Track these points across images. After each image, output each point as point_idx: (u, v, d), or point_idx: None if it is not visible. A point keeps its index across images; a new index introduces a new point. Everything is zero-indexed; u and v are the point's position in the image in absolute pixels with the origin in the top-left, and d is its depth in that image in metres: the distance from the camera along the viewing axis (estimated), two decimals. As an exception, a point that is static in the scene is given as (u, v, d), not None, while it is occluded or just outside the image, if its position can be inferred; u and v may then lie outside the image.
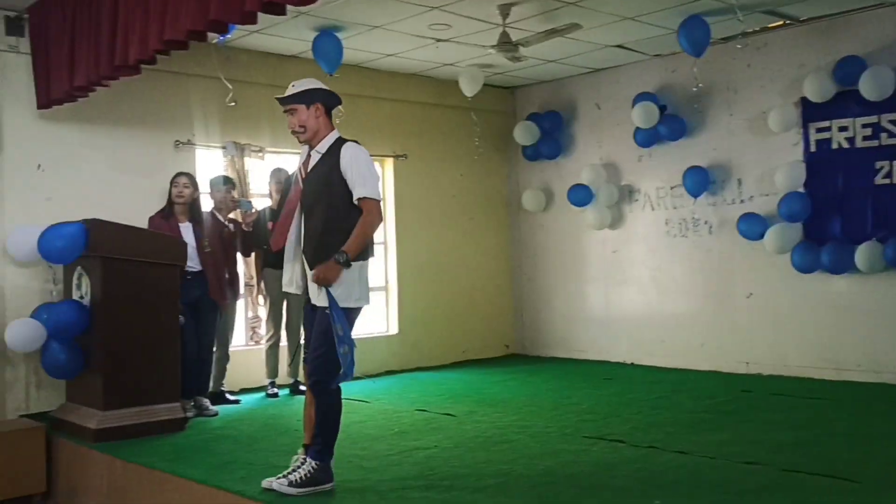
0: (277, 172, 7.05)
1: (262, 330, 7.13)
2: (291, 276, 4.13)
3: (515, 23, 6.71)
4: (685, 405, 6.21)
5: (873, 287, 6.82)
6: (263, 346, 7.03)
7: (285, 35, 6.96)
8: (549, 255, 9.27)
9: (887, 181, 6.72)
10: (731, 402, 6.28)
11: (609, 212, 8.56)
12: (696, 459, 4.57)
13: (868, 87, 6.59)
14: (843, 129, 6.96)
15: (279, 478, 4.04)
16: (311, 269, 3.97)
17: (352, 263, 3.88)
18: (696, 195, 7.80)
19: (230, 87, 5.98)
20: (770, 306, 7.43)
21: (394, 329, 8.46)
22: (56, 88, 5.86)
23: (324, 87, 4.09)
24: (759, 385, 6.94)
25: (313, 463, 4.01)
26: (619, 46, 7.80)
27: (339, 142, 4.03)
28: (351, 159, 3.94)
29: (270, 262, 6.85)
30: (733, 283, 7.71)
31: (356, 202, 3.94)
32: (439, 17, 6.68)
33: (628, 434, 5.24)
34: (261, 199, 7.31)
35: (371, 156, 8.12)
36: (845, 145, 6.96)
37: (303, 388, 6.92)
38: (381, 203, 4.05)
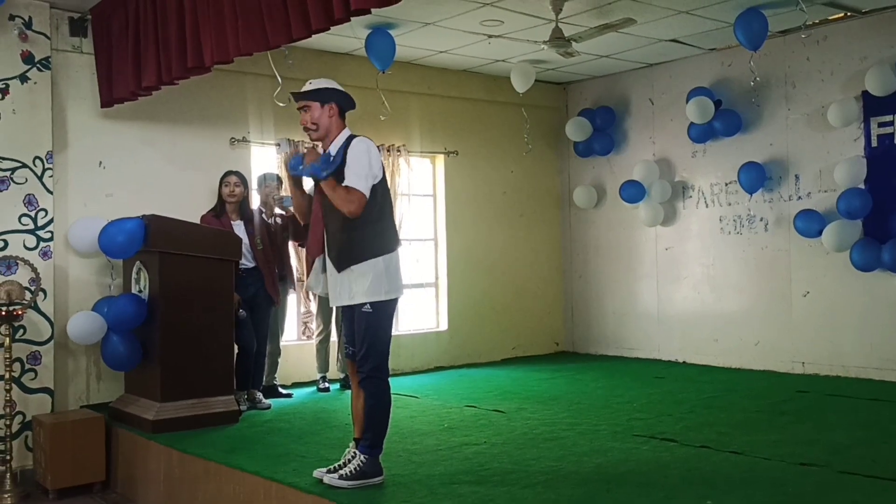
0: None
1: (313, 325, 7.23)
2: (317, 278, 4.19)
3: (568, 18, 6.66)
4: (738, 405, 6.11)
5: (937, 286, 6.62)
6: (314, 341, 7.12)
7: (339, 33, 6.98)
8: (600, 252, 9.20)
9: (952, 177, 6.52)
10: (785, 402, 6.16)
11: (662, 208, 8.45)
12: (750, 460, 4.50)
13: (933, 79, 6.40)
14: (906, 123, 6.78)
15: (330, 471, 4.10)
16: (338, 272, 4.02)
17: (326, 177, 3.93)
18: (751, 192, 7.65)
19: (280, 81, 6.06)
20: (827, 305, 7.26)
21: (444, 325, 8.49)
22: (120, 88, 6.01)
23: (340, 88, 4.15)
24: (816, 385, 6.79)
25: (362, 457, 4.07)
26: (673, 41, 7.70)
27: (349, 139, 4.05)
28: (353, 150, 3.98)
29: (320, 258, 6.94)
30: (789, 281, 7.56)
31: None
32: (492, 14, 6.67)
33: (680, 433, 5.19)
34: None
35: (422, 152, 8.32)
36: (908, 140, 6.77)
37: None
38: (364, 199, 3.93)
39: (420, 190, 8.50)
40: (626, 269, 8.91)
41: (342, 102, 4.12)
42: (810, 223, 7.19)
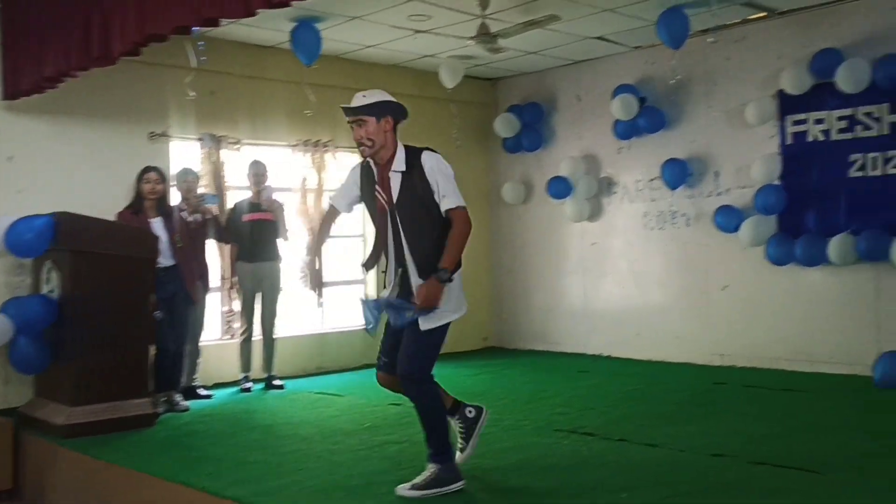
0: (255, 165, 7.01)
1: (237, 324, 7.10)
2: (388, 286, 4.06)
3: (495, 14, 6.67)
4: (658, 398, 6.23)
5: (845, 279, 6.85)
6: (237, 340, 6.99)
7: (262, 25, 6.88)
8: (528, 248, 9.26)
9: (861, 174, 6.75)
10: (703, 394, 6.31)
11: (588, 204, 8.56)
12: (666, 452, 4.58)
13: (844, 79, 6.60)
14: (819, 121, 6.98)
15: (403, 485, 3.92)
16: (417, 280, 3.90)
17: (450, 277, 3.81)
18: (674, 187, 7.81)
19: (195, 67, 5.89)
20: (744, 299, 7.46)
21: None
22: (25, 79, 5.79)
23: (394, 99, 3.99)
24: (733, 377, 6.97)
25: (433, 468, 3.90)
26: (599, 38, 7.78)
27: (413, 153, 3.93)
28: (433, 169, 3.86)
29: (243, 256, 6.83)
30: (709, 275, 7.73)
31: (443, 213, 3.85)
32: (419, 9, 6.65)
33: (601, 427, 5.25)
34: (238, 191, 7.27)
35: (350, 147, 8.23)
36: (821, 138, 6.97)
37: (276, 382, 6.96)
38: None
39: (347, 185, 8.39)
40: (554, 265, 9.00)
41: (397, 115, 3.96)
42: (729, 218, 7.37)
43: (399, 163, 3.90)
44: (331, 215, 4.28)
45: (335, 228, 4.42)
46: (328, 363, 7.85)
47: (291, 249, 7.44)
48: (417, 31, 7.22)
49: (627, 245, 8.40)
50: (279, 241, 7.02)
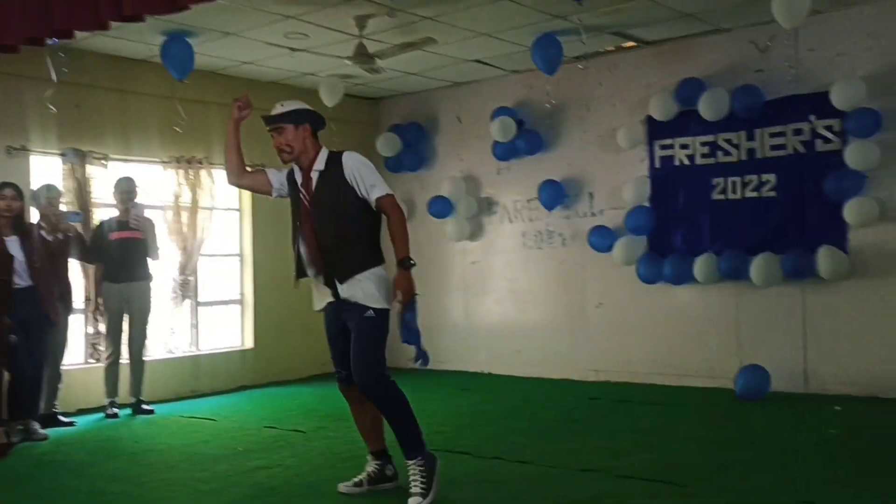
0: (123, 182, 6.74)
1: (102, 347, 6.78)
2: (319, 295, 4.18)
3: (372, 35, 6.69)
4: (536, 414, 6.34)
5: (709, 297, 7.19)
6: (103, 363, 6.68)
7: (131, 38, 6.67)
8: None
9: (722, 197, 7.11)
10: (577, 410, 6.46)
11: (468, 224, 8.66)
12: (537, 468, 4.66)
13: (706, 107, 6.96)
14: (684, 146, 7.32)
15: (411, 499, 3.95)
16: (340, 283, 4.02)
17: (409, 258, 3.99)
18: (550, 208, 8.00)
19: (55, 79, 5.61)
20: (617, 316, 7.71)
21: (249, 343, 8.24)
22: None
23: (311, 109, 4.16)
24: (607, 392, 7.17)
25: (418, 461, 4.00)
26: (477, 61, 7.92)
27: (334, 154, 4.10)
28: (353, 166, 4.03)
29: (109, 276, 6.54)
30: (585, 293, 7.96)
31: (373, 204, 4.01)
32: (295, 27, 6.58)
33: (476, 446, 5.29)
34: (106, 209, 6.96)
35: (223, 165, 8.00)
36: (686, 162, 7.31)
37: (145, 406, 6.67)
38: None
39: (225, 204, 8.21)
40: (435, 283, 9.04)
41: (315, 122, 4.13)
42: (602, 238, 7.61)
43: (320, 163, 4.07)
44: (245, 170, 4.47)
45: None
46: (202, 386, 7.60)
47: (162, 269, 7.19)
48: (294, 50, 7.13)
49: (507, 264, 8.54)
50: (149, 261, 6.76)
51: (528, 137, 8.13)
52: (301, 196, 4.12)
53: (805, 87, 6.71)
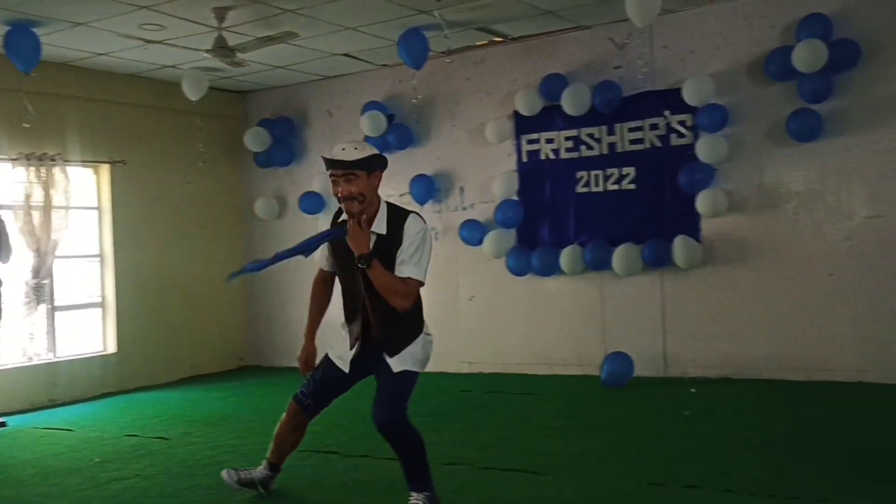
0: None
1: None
2: (346, 357, 3.86)
3: (232, 27, 6.51)
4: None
5: (575, 287, 7.40)
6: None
7: (-31, 28, 6.25)
8: (283, 264, 9.08)
9: (586, 190, 7.32)
10: (449, 402, 6.52)
11: (341, 219, 8.57)
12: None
13: (569, 103, 7.14)
14: (549, 141, 7.49)
15: None
16: (390, 357, 3.69)
17: (369, 265, 3.50)
18: (422, 203, 8.03)
19: None
20: (489, 308, 7.83)
21: (112, 347, 7.89)
22: None
23: (381, 153, 3.70)
24: (478, 384, 7.28)
25: (426, 495, 3.76)
26: (346, 55, 7.84)
27: (398, 215, 3.64)
28: (412, 239, 3.58)
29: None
30: (458, 286, 8.04)
31: (397, 272, 3.56)
32: (151, 17, 6.32)
33: (345, 445, 5.26)
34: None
35: (83, 161, 7.66)
36: (552, 156, 7.49)
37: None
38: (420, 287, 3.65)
39: (82, 202, 7.82)
40: (309, 280, 8.86)
41: (384, 168, 3.67)
42: (473, 232, 7.70)
43: (380, 224, 3.61)
44: (319, 279, 4.06)
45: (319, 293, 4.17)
46: (60, 394, 7.23)
47: (12, 272, 6.78)
48: (149, 41, 6.85)
49: None
50: (-3, 264, 6.37)
51: (398, 132, 8.13)
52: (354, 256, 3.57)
53: (660, 83, 6.99)
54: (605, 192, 7.24)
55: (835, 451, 4.53)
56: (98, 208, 7.98)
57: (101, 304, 7.93)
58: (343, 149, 3.56)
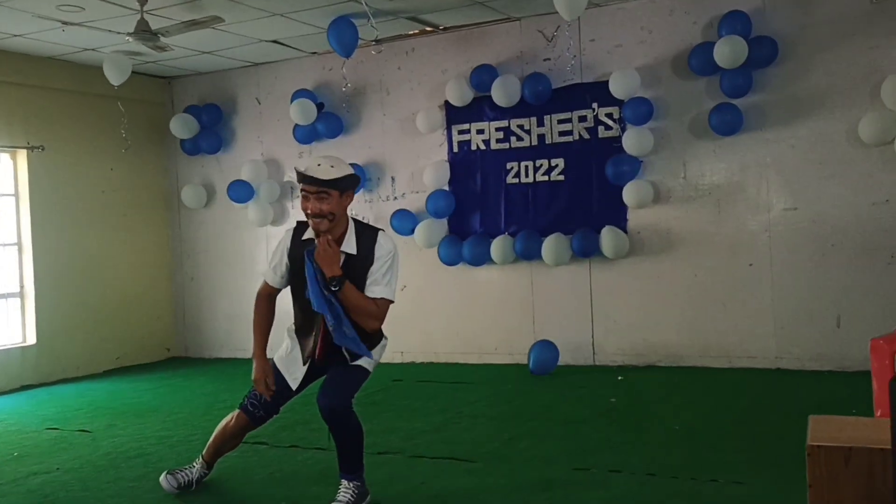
0: None
1: None
2: (297, 373, 3.77)
3: (155, 10, 6.35)
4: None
5: (506, 277, 7.49)
6: None
7: None
8: (211, 253, 8.97)
9: (516, 181, 7.40)
10: (380, 392, 6.52)
11: (271, 208, 8.48)
12: (332, 455, 4.61)
13: (499, 93, 7.19)
14: (480, 131, 7.54)
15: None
16: (349, 362, 3.67)
17: (341, 287, 3.47)
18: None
19: None
20: (421, 298, 7.85)
21: (31, 339, 7.64)
22: None
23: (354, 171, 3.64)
24: (410, 373, 7.30)
25: (356, 483, 3.74)
26: (274, 42, 7.73)
27: (369, 235, 3.60)
28: (383, 260, 3.57)
29: None
30: (389, 276, 8.02)
31: (367, 293, 3.55)
32: (69, -2, 6.12)
33: (273, 434, 5.19)
34: None
35: (0, 147, 7.37)
36: (482, 147, 7.54)
37: None
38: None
39: (-2, 189, 7.57)
40: (238, 270, 8.80)
41: (357, 188, 3.65)
42: (405, 222, 7.71)
43: (349, 244, 3.57)
44: (266, 294, 3.85)
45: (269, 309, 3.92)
46: (-24, 389, 7.00)
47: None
48: (66, 23, 6.61)
49: None
50: None
51: (328, 120, 8.06)
52: (317, 275, 3.49)
53: (588, 75, 7.11)
54: (535, 183, 7.33)
55: (751, 434, 4.70)
56: (15, 195, 7.70)
57: (20, 294, 7.66)
58: (318, 165, 3.48)
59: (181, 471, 4.11)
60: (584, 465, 4.24)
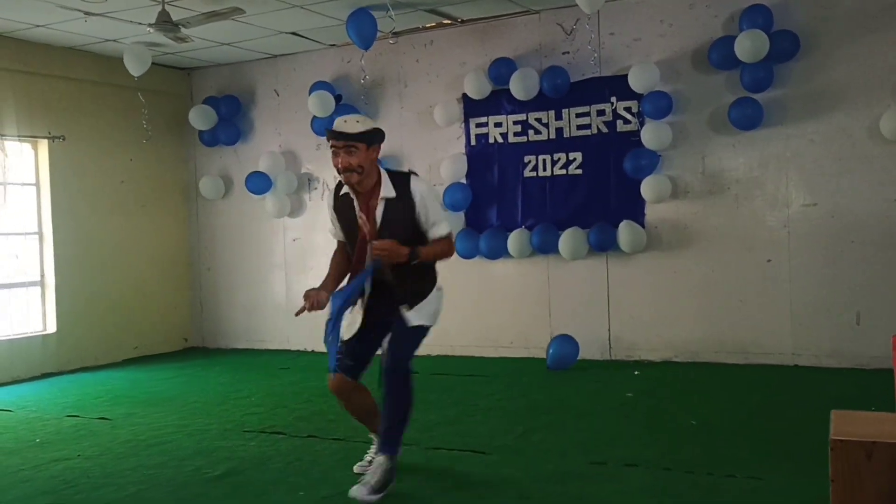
0: None
1: None
2: (352, 321, 3.91)
3: (176, 2, 6.37)
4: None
5: (522, 271, 7.49)
6: None
7: None
8: (229, 244, 9.02)
9: (533, 174, 7.39)
10: (396, 384, 6.54)
11: (288, 200, 8.51)
12: (350, 445, 4.69)
13: (517, 87, 7.18)
14: (498, 125, 7.53)
15: (362, 485, 3.72)
16: (408, 309, 3.87)
17: (418, 257, 3.74)
18: (370, 184, 8.00)
19: None
20: (437, 291, 7.85)
21: (52, 327, 7.72)
22: None
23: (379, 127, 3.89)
24: (425, 366, 7.23)
25: (390, 460, 3.78)
26: (293, 34, 7.75)
27: (401, 179, 3.84)
28: (424, 197, 3.82)
29: None
30: (405, 269, 8.04)
31: (429, 239, 3.83)
32: (92, -11, 6.16)
33: (290, 425, 5.26)
34: None
35: (20, 136, 7.46)
36: (500, 140, 7.53)
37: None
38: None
39: (19, 178, 7.62)
40: (256, 261, 8.85)
41: (383, 141, 3.85)
42: (421, 215, 7.70)
43: (386, 189, 3.79)
44: (340, 246, 4.10)
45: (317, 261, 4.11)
46: (-1, 375, 7.09)
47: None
48: (88, 14, 6.66)
49: (329, 241, 8.25)
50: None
51: (346, 112, 8.00)
52: (361, 223, 3.81)
53: (607, 69, 7.08)
54: (553, 177, 7.32)
55: (767, 430, 4.69)
56: (36, 184, 7.77)
57: (40, 283, 7.75)
58: (345, 121, 3.76)
59: (366, 470, 3.99)
60: (599, 458, 4.24)
